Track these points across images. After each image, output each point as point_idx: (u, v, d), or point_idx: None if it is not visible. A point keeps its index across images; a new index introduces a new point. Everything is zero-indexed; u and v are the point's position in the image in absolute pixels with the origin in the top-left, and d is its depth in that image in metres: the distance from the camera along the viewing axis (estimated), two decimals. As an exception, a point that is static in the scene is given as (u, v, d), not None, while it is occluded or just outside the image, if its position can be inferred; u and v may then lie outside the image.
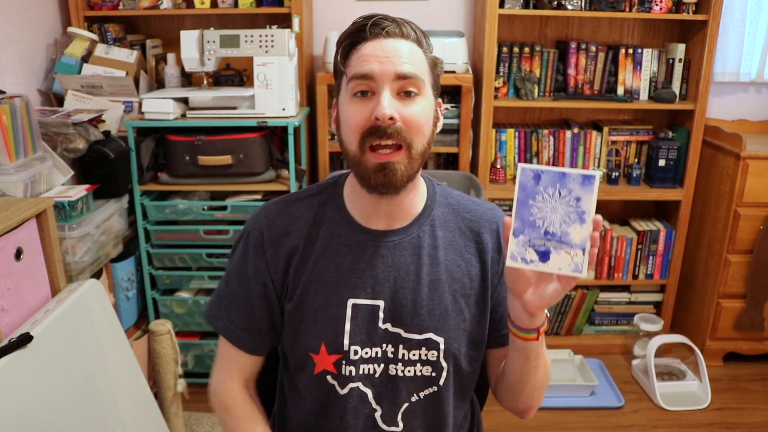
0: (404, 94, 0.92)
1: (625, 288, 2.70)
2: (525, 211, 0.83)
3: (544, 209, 0.83)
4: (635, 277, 2.62)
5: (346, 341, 0.98)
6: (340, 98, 0.97)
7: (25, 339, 1.29)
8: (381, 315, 0.99)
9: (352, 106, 0.93)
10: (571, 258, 0.82)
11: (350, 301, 0.98)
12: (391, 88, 0.91)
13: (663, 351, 2.57)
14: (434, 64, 0.97)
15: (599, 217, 0.81)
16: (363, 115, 0.91)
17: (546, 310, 0.91)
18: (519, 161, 2.56)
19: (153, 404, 1.77)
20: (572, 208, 0.81)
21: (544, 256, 0.83)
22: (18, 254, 1.42)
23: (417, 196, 1.02)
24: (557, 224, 0.82)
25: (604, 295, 2.67)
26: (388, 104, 0.89)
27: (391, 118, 0.89)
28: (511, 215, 0.84)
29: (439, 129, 1.00)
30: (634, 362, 2.52)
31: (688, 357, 2.49)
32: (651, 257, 2.59)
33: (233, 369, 1.07)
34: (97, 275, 1.86)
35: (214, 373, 1.09)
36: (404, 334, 0.98)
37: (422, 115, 0.93)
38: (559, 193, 0.82)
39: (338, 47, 0.96)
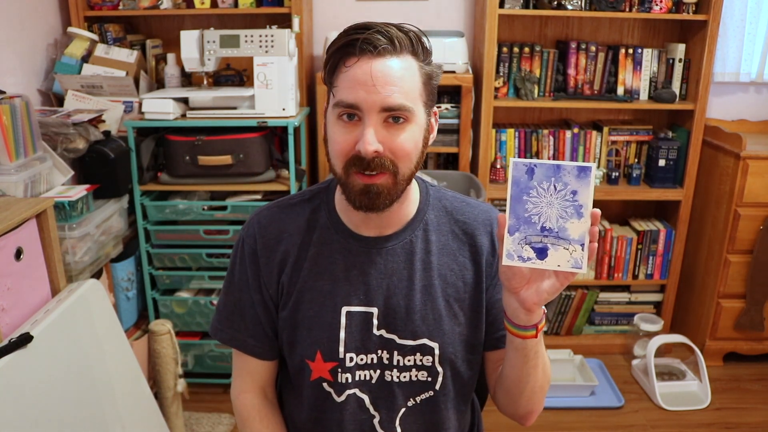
0: (392, 120, 0.89)
1: (625, 288, 2.70)
2: (520, 207, 0.80)
3: (540, 204, 0.80)
4: (635, 277, 2.62)
5: (341, 349, 0.97)
6: (328, 114, 0.94)
7: (25, 339, 1.29)
8: (375, 321, 0.98)
9: (338, 128, 0.91)
10: (569, 254, 0.80)
11: (344, 309, 0.98)
12: (378, 118, 0.88)
13: (663, 351, 2.57)
14: (429, 78, 0.93)
15: (597, 210, 0.79)
16: (348, 142, 0.89)
17: (543, 307, 0.89)
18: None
19: (153, 404, 1.77)
20: (569, 202, 0.79)
21: (541, 253, 0.80)
22: (18, 254, 1.42)
23: (408, 203, 1.01)
24: (554, 219, 0.79)
25: (604, 295, 2.67)
26: (372, 139, 0.87)
27: (376, 151, 0.87)
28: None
29: (431, 141, 0.98)
30: (634, 362, 2.52)
31: (688, 357, 2.49)
32: (651, 257, 2.59)
33: (247, 378, 1.07)
34: (97, 275, 1.86)
35: (232, 385, 1.10)
36: (398, 340, 0.98)
37: (410, 142, 0.90)
38: (555, 187, 0.79)
39: (327, 58, 0.92)
